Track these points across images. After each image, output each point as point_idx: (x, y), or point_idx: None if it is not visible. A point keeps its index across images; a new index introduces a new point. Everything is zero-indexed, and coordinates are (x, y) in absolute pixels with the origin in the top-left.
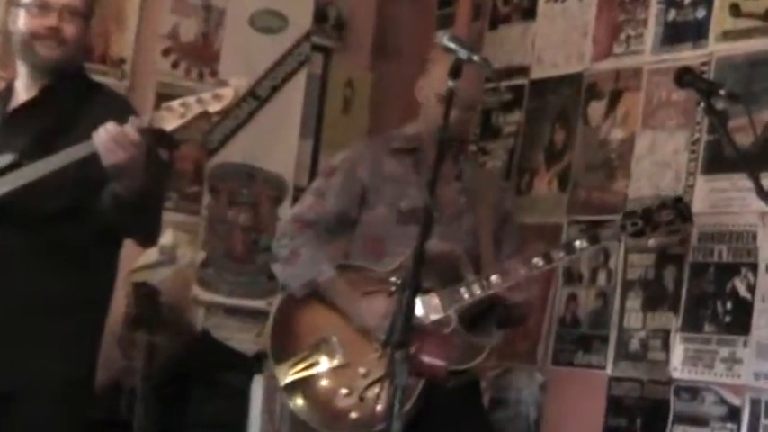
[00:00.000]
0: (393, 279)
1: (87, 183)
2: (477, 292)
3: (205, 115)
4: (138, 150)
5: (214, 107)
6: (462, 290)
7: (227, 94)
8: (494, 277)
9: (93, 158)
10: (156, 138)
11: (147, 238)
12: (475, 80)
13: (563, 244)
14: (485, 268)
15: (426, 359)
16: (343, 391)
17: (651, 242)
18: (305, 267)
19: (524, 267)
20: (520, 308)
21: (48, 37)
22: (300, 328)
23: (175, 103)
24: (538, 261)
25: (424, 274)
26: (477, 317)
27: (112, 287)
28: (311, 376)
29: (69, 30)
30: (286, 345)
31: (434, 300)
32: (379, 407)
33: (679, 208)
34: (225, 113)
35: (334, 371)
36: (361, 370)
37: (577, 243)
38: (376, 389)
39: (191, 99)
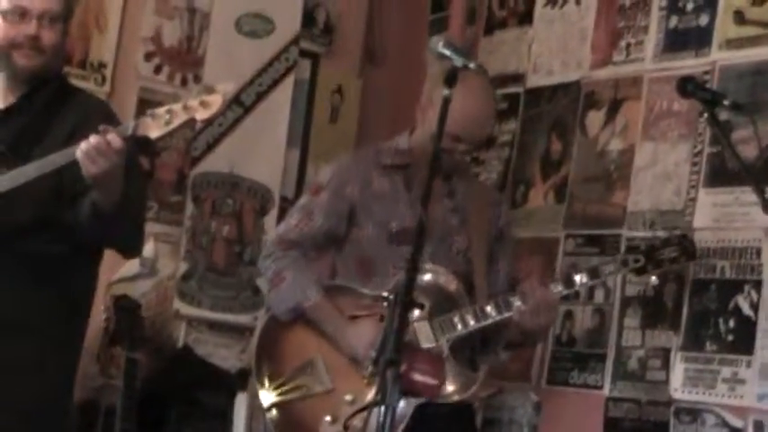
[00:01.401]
0: (384, 294)
1: (62, 193)
2: (471, 322)
3: (191, 122)
4: (120, 158)
5: (201, 115)
6: (456, 319)
7: (215, 101)
8: (488, 308)
9: (68, 167)
10: (138, 145)
11: (130, 248)
12: (483, 117)
13: (562, 277)
14: (477, 291)
15: (418, 378)
16: (328, 418)
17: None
18: (290, 292)
19: (521, 299)
20: (532, 334)
21: (26, 46)
22: (286, 350)
23: (161, 110)
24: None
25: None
26: (489, 336)
27: (91, 301)
28: (295, 400)
29: (48, 36)
30: (270, 366)
31: (426, 327)
32: None
33: (684, 246)
34: (211, 121)
35: (318, 396)
36: (348, 397)
37: (577, 277)
38: (362, 417)
39: (176, 106)
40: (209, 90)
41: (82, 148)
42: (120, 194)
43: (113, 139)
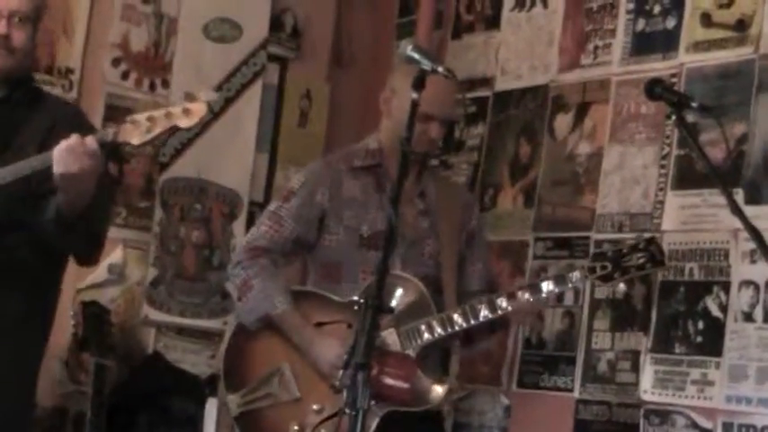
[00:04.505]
0: (355, 298)
1: (29, 196)
2: (438, 330)
3: (174, 130)
4: (93, 162)
5: (185, 123)
6: (423, 328)
7: (199, 109)
8: (455, 316)
9: (41, 172)
10: (108, 151)
11: (86, 258)
12: (449, 92)
13: (529, 284)
14: (446, 296)
15: (389, 381)
16: (295, 427)
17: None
18: (257, 301)
19: (488, 308)
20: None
21: None
22: (254, 358)
23: (141, 117)
24: (501, 302)
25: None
26: (473, 333)
27: (54, 306)
28: (263, 409)
29: (18, 37)
30: (239, 374)
31: (393, 336)
32: None
33: (651, 251)
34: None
35: (286, 405)
36: (315, 406)
37: (544, 285)
38: (329, 426)
39: (158, 113)
40: (192, 97)
41: (59, 147)
42: (88, 203)
43: (89, 140)
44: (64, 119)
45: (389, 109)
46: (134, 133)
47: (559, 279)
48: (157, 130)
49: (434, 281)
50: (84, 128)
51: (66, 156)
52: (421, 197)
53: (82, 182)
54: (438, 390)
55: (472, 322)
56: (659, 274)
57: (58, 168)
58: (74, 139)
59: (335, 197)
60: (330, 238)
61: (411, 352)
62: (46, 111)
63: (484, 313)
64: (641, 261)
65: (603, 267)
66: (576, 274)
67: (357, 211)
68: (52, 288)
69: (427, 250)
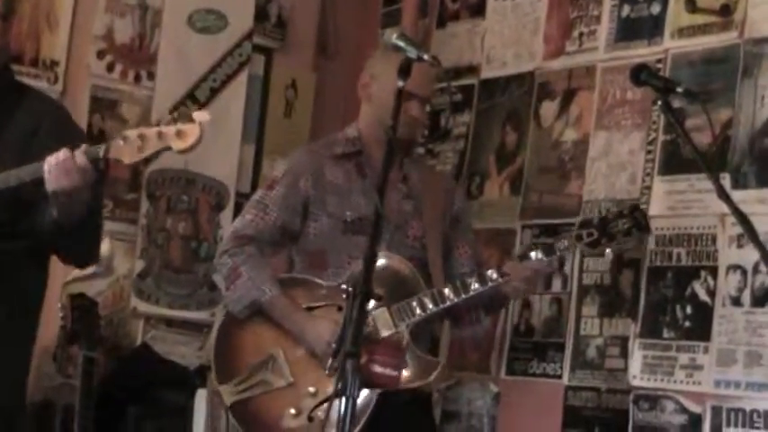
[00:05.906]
0: (343, 286)
1: (20, 202)
2: (430, 306)
3: (166, 151)
4: (84, 177)
5: (178, 145)
6: (414, 304)
7: (193, 131)
8: (446, 290)
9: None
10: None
11: (85, 261)
12: (426, 71)
13: (518, 255)
14: (433, 278)
15: (378, 369)
16: (291, 411)
17: (608, 252)
18: (246, 288)
19: (478, 281)
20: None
21: None
22: (245, 346)
23: (132, 134)
24: (492, 274)
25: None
26: (460, 312)
27: (42, 299)
28: (257, 396)
29: None
30: (230, 363)
31: (385, 314)
32: (330, 429)
33: (636, 217)
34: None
35: (281, 391)
36: (310, 389)
37: (532, 254)
38: (326, 408)
39: (150, 131)
40: (185, 117)
41: (49, 162)
42: (83, 211)
43: (79, 157)
44: (47, 122)
45: (369, 94)
46: (125, 151)
47: (547, 248)
48: (149, 151)
49: (421, 263)
50: (69, 131)
51: (57, 175)
52: (404, 181)
53: (75, 195)
54: (429, 368)
55: (463, 296)
56: (647, 258)
57: (50, 185)
58: (63, 155)
59: (318, 184)
60: (314, 225)
61: (404, 329)
62: (28, 109)
63: (474, 286)
64: (626, 227)
65: (590, 234)
66: (563, 242)
67: (340, 197)
68: (39, 282)
69: (411, 233)
